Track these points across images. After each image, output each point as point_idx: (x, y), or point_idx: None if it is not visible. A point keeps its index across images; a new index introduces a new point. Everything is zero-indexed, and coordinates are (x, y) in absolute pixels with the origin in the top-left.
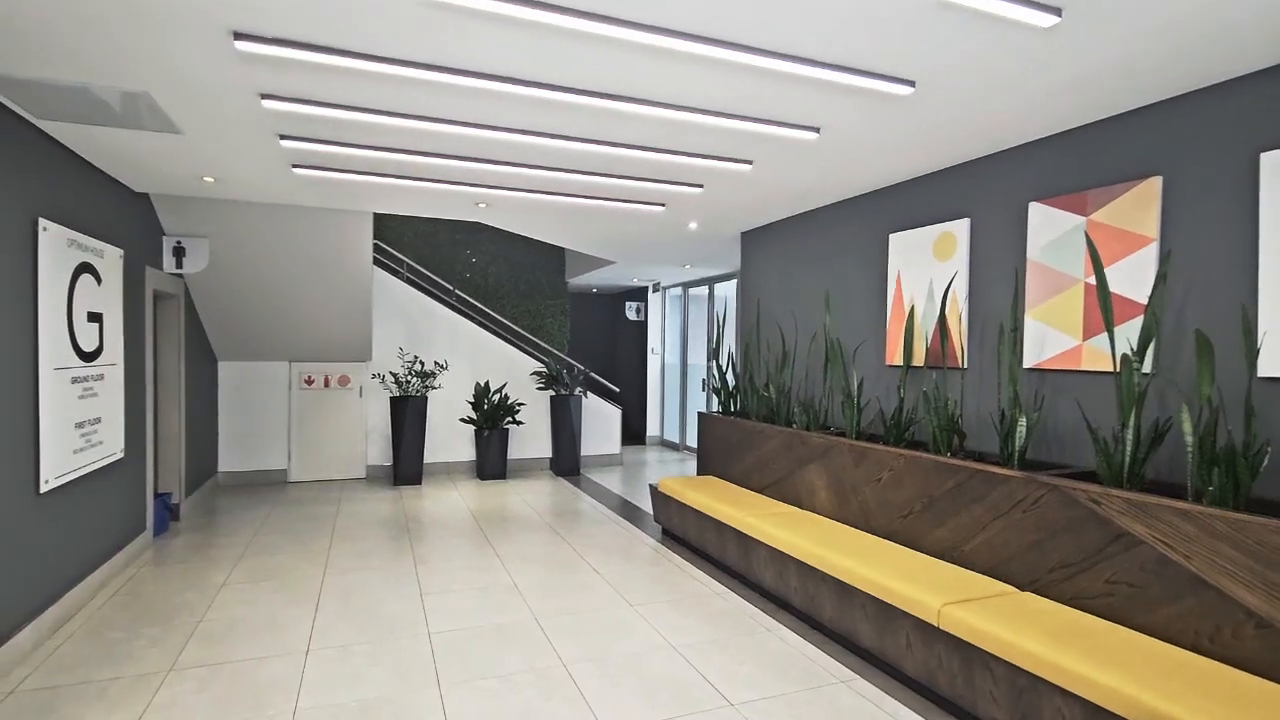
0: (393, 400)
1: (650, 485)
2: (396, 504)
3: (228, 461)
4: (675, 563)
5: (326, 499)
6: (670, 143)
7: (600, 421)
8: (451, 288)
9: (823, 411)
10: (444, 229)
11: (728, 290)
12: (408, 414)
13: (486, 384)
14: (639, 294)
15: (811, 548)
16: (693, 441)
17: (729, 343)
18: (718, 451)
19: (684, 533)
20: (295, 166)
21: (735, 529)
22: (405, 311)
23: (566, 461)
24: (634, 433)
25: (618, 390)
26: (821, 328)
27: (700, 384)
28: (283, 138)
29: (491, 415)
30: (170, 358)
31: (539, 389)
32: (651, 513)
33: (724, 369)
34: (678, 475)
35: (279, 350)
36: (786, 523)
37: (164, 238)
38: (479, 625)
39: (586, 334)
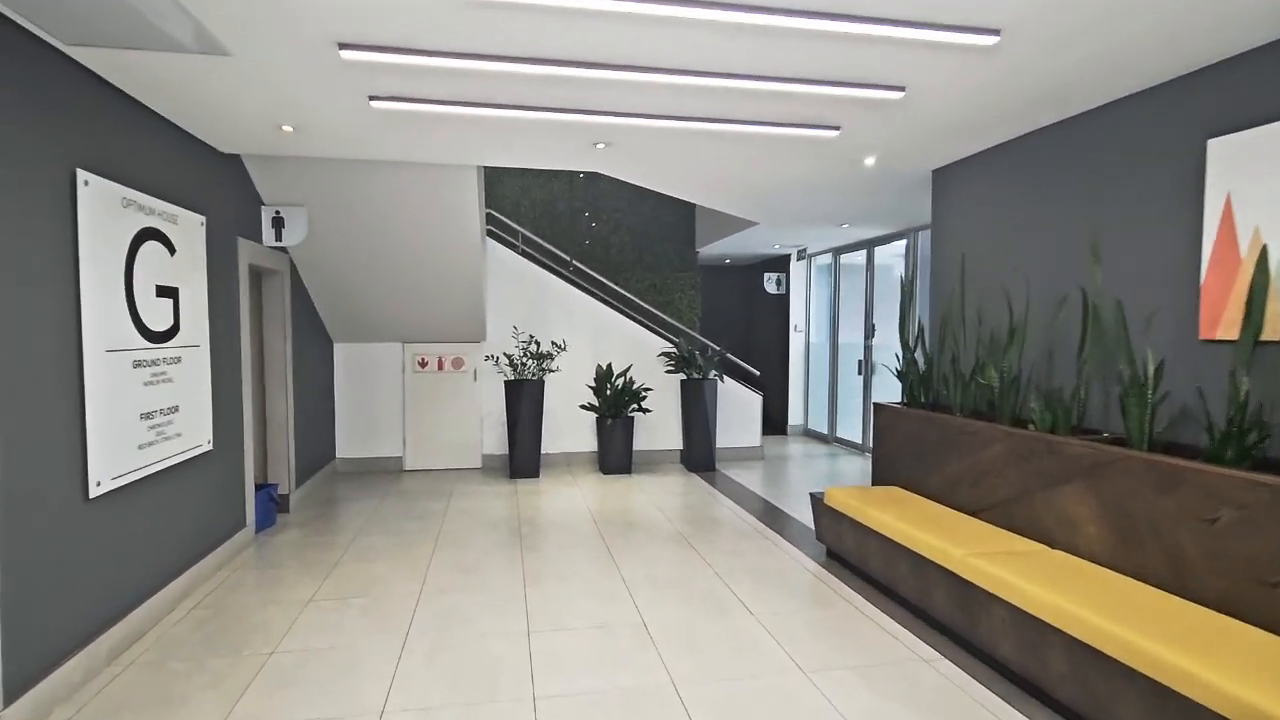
0: (507, 384)
1: (812, 495)
2: (510, 501)
3: (345, 448)
4: (851, 601)
5: (438, 492)
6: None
7: (738, 410)
8: (569, 260)
9: (1077, 407)
10: (561, 196)
11: (891, 254)
12: (523, 399)
13: (609, 367)
14: (779, 263)
15: (1097, 619)
16: (846, 433)
17: (918, 314)
18: (904, 455)
19: (860, 560)
20: (373, 99)
21: (946, 569)
22: (521, 287)
23: (699, 455)
24: (773, 422)
25: (757, 374)
26: (1078, 290)
27: (856, 366)
28: (342, 47)
29: (615, 402)
30: (276, 339)
31: (668, 372)
32: (811, 525)
33: (912, 347)
34: (832, 474)
35: (391, 330)
36: (1035, 570)
37: (262, 208)
38: (599, 689)
39: (718, 310)
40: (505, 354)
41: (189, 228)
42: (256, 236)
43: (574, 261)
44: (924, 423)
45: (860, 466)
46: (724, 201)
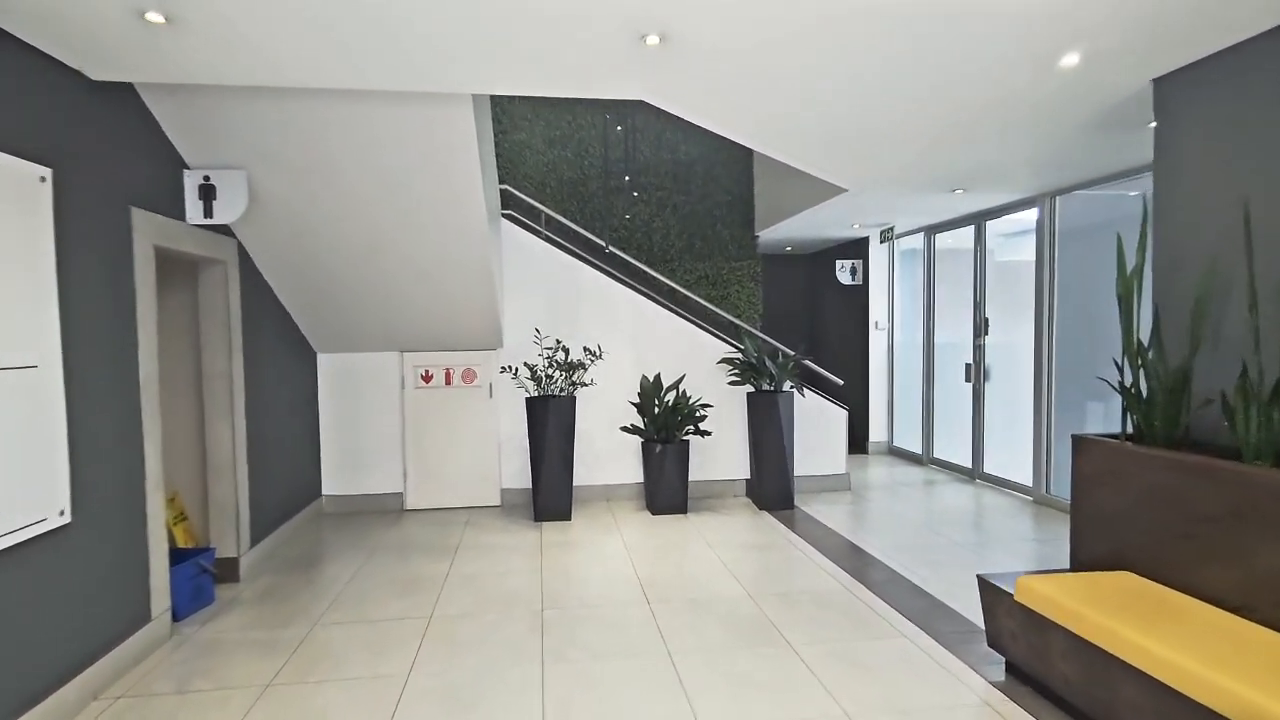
0: (529, 402)
1: (983, 580)
2: (532, 560)
3: (333, 484)
4: None
5: (442, 544)
6: None
7: (819, 429)
8: (605, 245)
9: None
10: (594, 174)
11: (1002, 232)
12: (550, 420)
13: (656, 378)
14: (854, 249)
15: None
16: (947, 454)
17: (1139, 304)
18: (1140, 523)
19: (1088, 700)
20: None
21: None
22: (546, 279)
23: (773, 488)
24: (853, 438)
25: (840, 383)
26: None
27: (963, 371)
28: None
29: (665, 422)
30: (217, 353)
31: (732, 383)
32: (958, 607)
33: (1145, 350)
34: (949, 514)
35: (383, 336)
36: None
37: (185, 173)
38: None
39: (782, 305)
40: (526, 364)
41: (14, 185)
42: (174, 211)
43: (609, 247)
44: (1188, 474)
45: (990, 503)
46: (819, 154)
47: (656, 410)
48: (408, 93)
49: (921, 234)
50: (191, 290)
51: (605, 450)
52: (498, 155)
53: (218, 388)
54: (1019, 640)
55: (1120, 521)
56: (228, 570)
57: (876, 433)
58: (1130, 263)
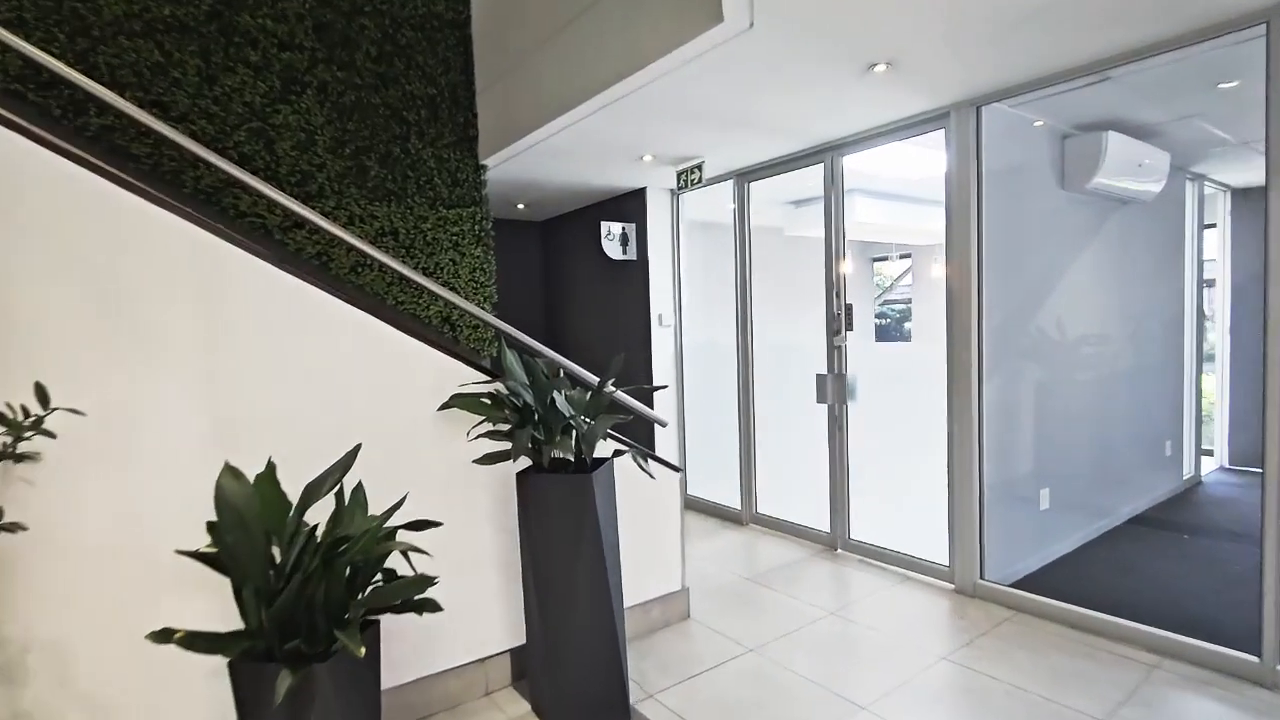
0: None
1: None
2: None
3: None
4: None
5: None
6: None
7: (642, 514)
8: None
9: None
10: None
11: (860, 174)
12: None
13: (269, 476)
14: (628, 207)
15: None
16: (780, 508)
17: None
18: None
19: None
20: None
21: None
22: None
23: (582, 683)
24: None
25: (664, 422)
26: None
27: (817, 387)
28: None
29: (308, 606)
30: None
31: (484, 458)
32: None
33: None
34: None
35: None
36: None
37: None
38: None
39: (516, 289)
40: None
41: None
42: None
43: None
44: None
45: (925, 612)
46: None
47: (286, 573)
48: None
49: (731, 182)
50: None
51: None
52: None
53: None
54: None
55: None
56: None
57: None
58: None
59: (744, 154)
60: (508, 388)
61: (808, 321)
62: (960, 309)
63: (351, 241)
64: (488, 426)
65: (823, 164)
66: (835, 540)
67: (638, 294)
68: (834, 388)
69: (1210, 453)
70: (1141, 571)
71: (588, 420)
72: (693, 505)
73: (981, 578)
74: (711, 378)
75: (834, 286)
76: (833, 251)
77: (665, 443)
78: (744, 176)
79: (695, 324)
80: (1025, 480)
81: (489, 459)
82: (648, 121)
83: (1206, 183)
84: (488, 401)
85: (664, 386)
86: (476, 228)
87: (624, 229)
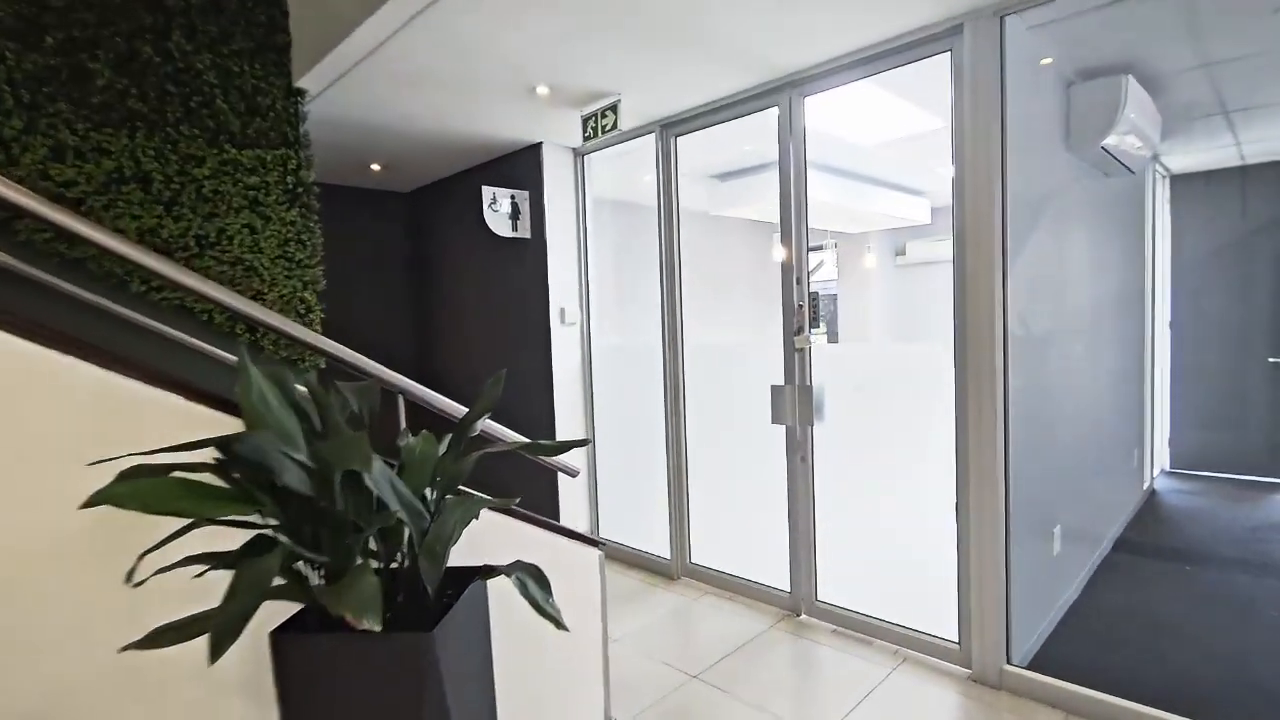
0: None
1: None
2: None
3: None
4: None
5: None
6: None
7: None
8: None
9: None
10: None
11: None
12: None
13: None
14: (521, 168)
15: None
16: (719, 559)
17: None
18: None
19: None
20: None
21: None
22: None
23: None
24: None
25: (575, 471)
26: None
27: (776, 403)
28: None
29: None
30: None
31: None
32: None
33: None
34: None
35: None
36: None
37: None
38: None
39: (366, 277)
40: None
41: None
42: None
43: None
44: None
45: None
46: None
47: None
48: None
49: (654, 135)
50: None
51: None
52: None
53: None
54: None
55: None
56: None
57: (572, 519)
58: None
59: (673, 95)
60: (253, 451)
61: (747, 320)
62: (977, 298)
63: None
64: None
65: (777, 107)
66: (799, 604)
67: (534, 283)
68: (795, 403)
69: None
70: (1181, 631)
71: (431, 509)
72: (607, 554)
73: (1009, 661)
74: (629, 390)
75: (794, 271)
76: (792, 224)
77: (573, 484)
78: (671, 128)
79: (608, 322)
80: (1040, 518)
81: (169, 636)
82: (541, 18)
83: (1157, 165)
84: (218, 483)
85: (585, 442)
86: (290, 180)
87: (514, 198)
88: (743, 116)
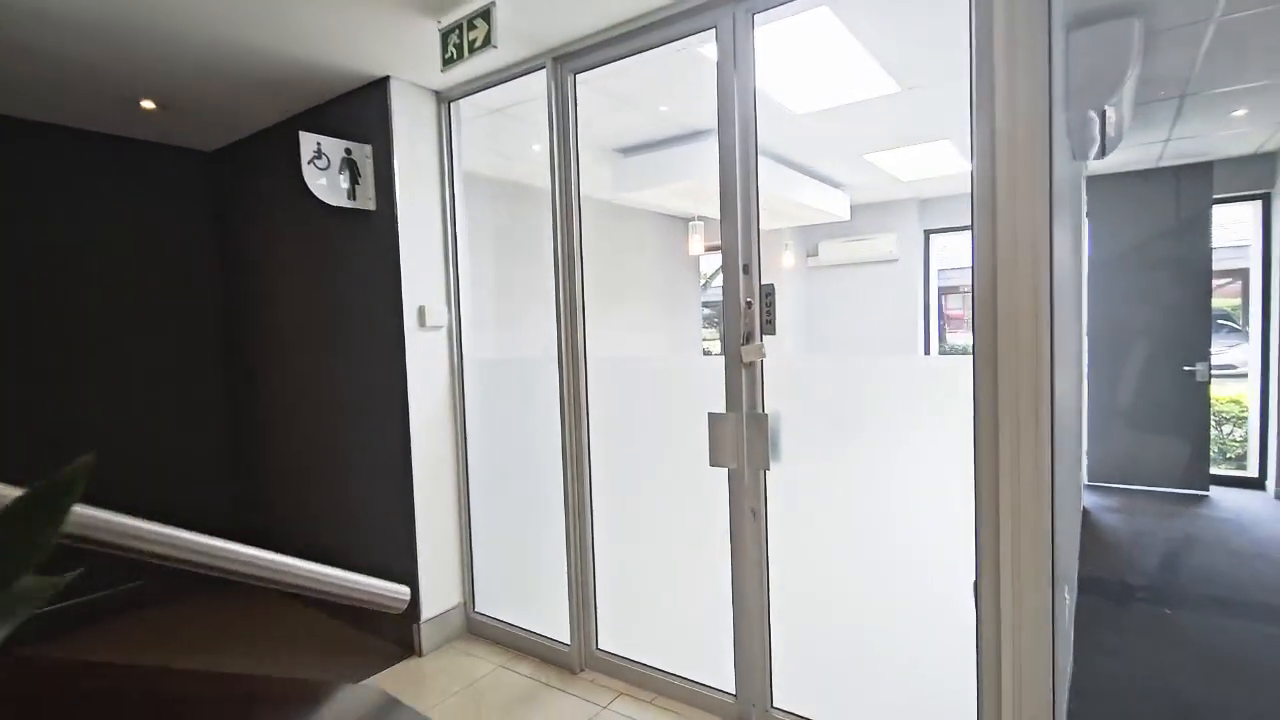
0: None
1: None
2: None
3: None
4: None
5: None
6: None
7: None
8: None
9: None
10: None
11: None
12: None
13: None
14: (361, 115)
15: None
16: (655, 651)
17: None
18: None
19: None
20: None
21: None
22: None
23: None
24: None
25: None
26: None
27: (715, 438)
28: None
29: None
30: None
31: None
32: None
33: None
34: None
35: None
36: None
37: None
38: None
39: (149, 266)
40: None
41: None
42: None
43: None
44: None
45: None
46: None
47: None
48: None
49: (545, 69)
50: None
51: None
52: None
53: None
54: None
55: None
56: None
57: (436, 589)
58: None
59: (571, 9)
60: None
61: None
62: (1013, 292)
63: None
64: None
65: (715, 28)
66: (748, 711)
67: (381, 272)
68: (742, 439)
69: None
70: (1208, 706)
71: None
72: (482, 633)
73: None
74: (515, 419)
75: (738, 256)
76: (736, 192)
77: (438, 543)
78: (567, 60)
79: (484, 326)
80: (1061, 575)
81: None
82: None
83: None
84: None
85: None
86: None
87: (349, 152)
88: (671, 41)
